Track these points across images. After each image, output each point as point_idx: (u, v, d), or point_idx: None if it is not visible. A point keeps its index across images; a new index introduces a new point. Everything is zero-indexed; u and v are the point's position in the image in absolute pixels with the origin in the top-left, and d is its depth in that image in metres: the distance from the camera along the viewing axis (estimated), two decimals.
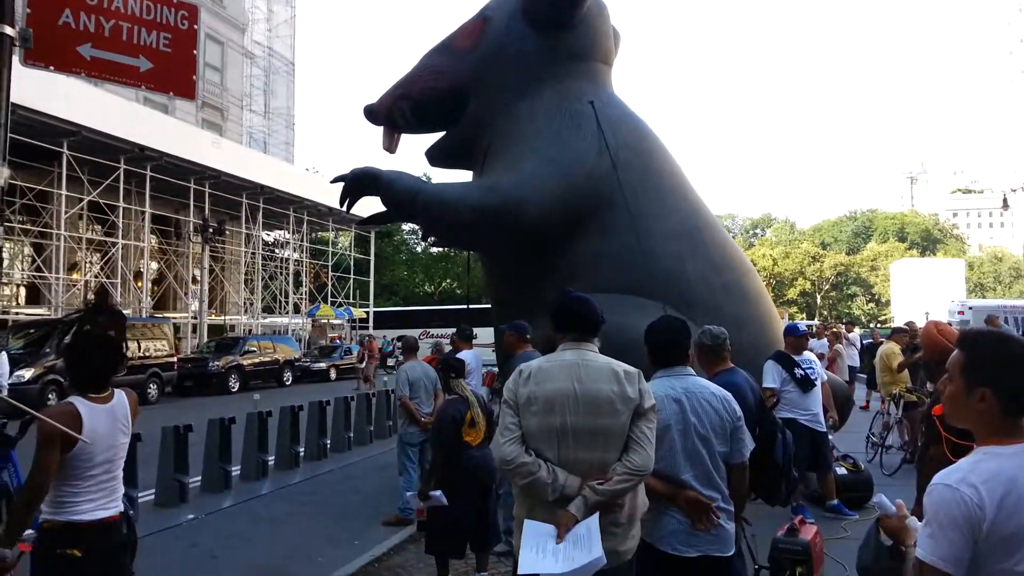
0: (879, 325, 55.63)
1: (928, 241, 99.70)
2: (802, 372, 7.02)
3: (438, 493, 5.15)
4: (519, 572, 2.81)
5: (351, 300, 41.82)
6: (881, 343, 12.70)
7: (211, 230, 29.55)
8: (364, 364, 24.89)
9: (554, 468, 2.87)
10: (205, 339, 28.97)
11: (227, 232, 33.71)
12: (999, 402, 1.85)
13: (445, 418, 5.29)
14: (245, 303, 36.61)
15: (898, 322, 29.30)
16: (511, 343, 6.33)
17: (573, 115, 7.71)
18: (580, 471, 2.86)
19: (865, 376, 16.18)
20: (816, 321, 16.23)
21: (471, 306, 24.91)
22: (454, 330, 9.26)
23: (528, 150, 7.57)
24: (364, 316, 41.67)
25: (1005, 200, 40.02)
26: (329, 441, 11.74)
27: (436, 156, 9.00)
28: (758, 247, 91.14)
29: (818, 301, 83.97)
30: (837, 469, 7.52)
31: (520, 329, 6.37)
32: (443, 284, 54.17)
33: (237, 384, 24.20)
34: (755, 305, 8.19)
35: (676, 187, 8.20)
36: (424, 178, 10.04)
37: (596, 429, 2.87)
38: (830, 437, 7.63)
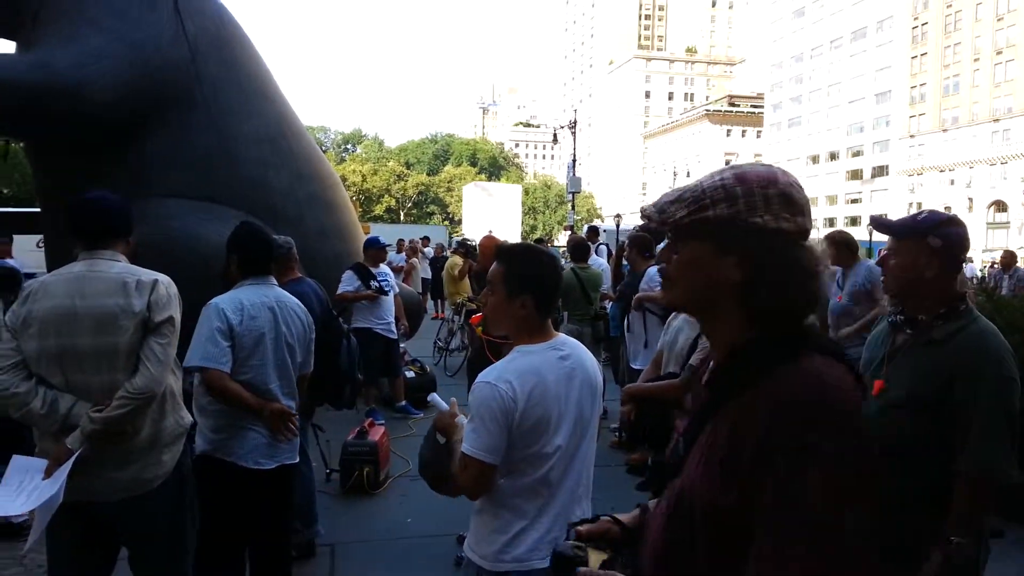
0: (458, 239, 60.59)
1: (495, 167, 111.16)
2: (377, 283, 7.33)
3: None
4: None
5: None
6: (445, 257, 13.85)
7: None
8: None
9: (56, 396, 2.53)
10: None
11: None
12: (532, 307, 2.12)
13: None
14: None
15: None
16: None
17: None
18: (92, 397, 2.56)
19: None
20: (414, 239, 17.23)
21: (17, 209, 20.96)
22: None
23: (88, 23, 6.34)
24: None
25: (555, 135, 46.23)
26: None
27: None
28: (349, 163, 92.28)
29: (402, 218, 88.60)
30: (406, 372, 8.13)
31: None
32: None
33: None
34: (339, 217, 8.24)
35: (261, 88, 7.70)
36: None
37: (101, 349, 2.56)
38: (402, 345, 8.19)
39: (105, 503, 2.60)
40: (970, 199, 65.12)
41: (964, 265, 2.44)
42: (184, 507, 2.81)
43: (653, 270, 5.46)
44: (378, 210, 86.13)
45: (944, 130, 69.54)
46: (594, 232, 12.12)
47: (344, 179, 73.50)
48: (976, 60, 66.23)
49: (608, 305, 7.54)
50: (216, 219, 5.90)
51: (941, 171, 69.18)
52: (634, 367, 5.48)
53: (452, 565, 4.17)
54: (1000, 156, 63.41)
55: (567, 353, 2.14)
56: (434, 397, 2.34)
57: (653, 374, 4.00)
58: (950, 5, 68.65)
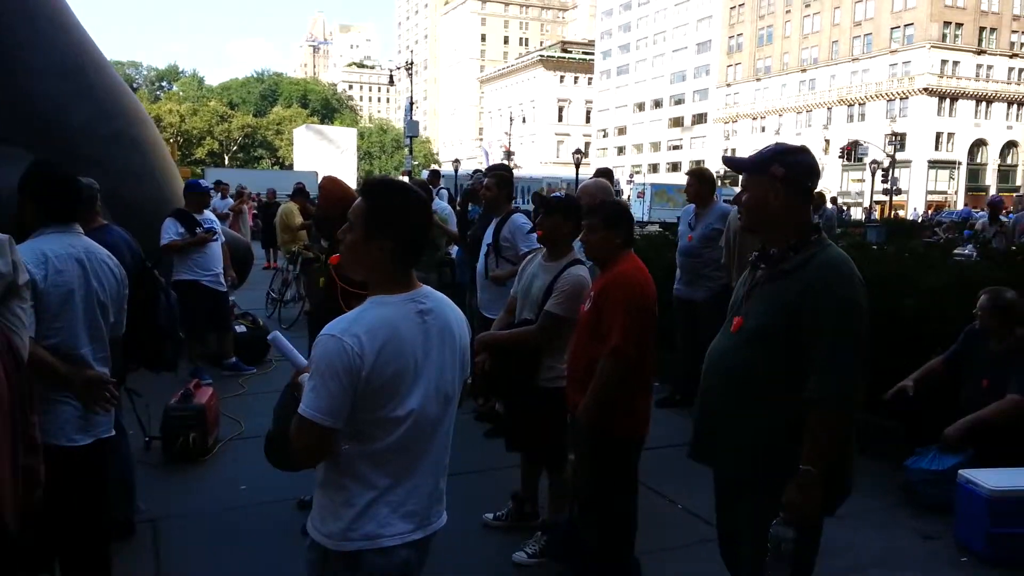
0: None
1: (327, 109, 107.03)
2: (202, 230, 6.74)
3: None
4: None
5: None
6: (277, 203, 13.09)
7: None
8: None
9: None
10: None
11: None
12: (395, 251, 1.84)
13: None
14: None
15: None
16: None
17: None
18: None
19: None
20: (266, 189, 15.89)
21: None
22: None
23: None
24: None
25: (391, 77, 44.96)
26: None
27: None
28: (164, 102, 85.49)
29: (226, 161, 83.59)
30: (237, 327, 7.57)
31: None
32: None
33: None
34: (151, 158, 7.51)
35: (55, 15, 6.84)
36: None
37: None
38: (231, 297, 7.60)
39: None
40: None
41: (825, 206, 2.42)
42: None
43: (521, 217, 5.18)
44: (199, 153, 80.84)
45: (757, 79, 74.34)
46: (436, 176, 11.84)
47: (159, 120, 68.03)
48: (788, 12, 70.93)
49: (453, 250, 7.34)
50: (5, 161, 5.15)
51: (754, 119, 74.14)
52: (489, 315, 5.25)
53: (299, 534, 3.84)
54: (805, 104, 68.79)
55: (429, 307, 1.89)
56: (276, 336, 2.04)
57: (507, 321, 3.86)
58: None
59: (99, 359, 2.88)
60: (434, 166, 56.77)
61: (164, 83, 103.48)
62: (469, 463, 4.55)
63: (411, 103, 38.00)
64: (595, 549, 3.20)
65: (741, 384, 2.27)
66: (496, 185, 5.32)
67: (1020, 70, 63.77)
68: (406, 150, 39.41)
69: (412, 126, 35.68)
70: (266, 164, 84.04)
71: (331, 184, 4.52)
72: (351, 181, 42.90)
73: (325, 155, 51.49)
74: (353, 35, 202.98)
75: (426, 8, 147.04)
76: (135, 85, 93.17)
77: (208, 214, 7.14)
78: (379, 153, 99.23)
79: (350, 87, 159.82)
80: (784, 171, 2.23)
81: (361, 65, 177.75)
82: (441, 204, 8.06)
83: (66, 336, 2.75)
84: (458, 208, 8.25)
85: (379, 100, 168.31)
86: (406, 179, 11.18)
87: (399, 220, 1.86)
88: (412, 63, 41.25)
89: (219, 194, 15.91)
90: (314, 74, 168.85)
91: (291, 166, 67.41)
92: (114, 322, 2.99)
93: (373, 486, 1.82)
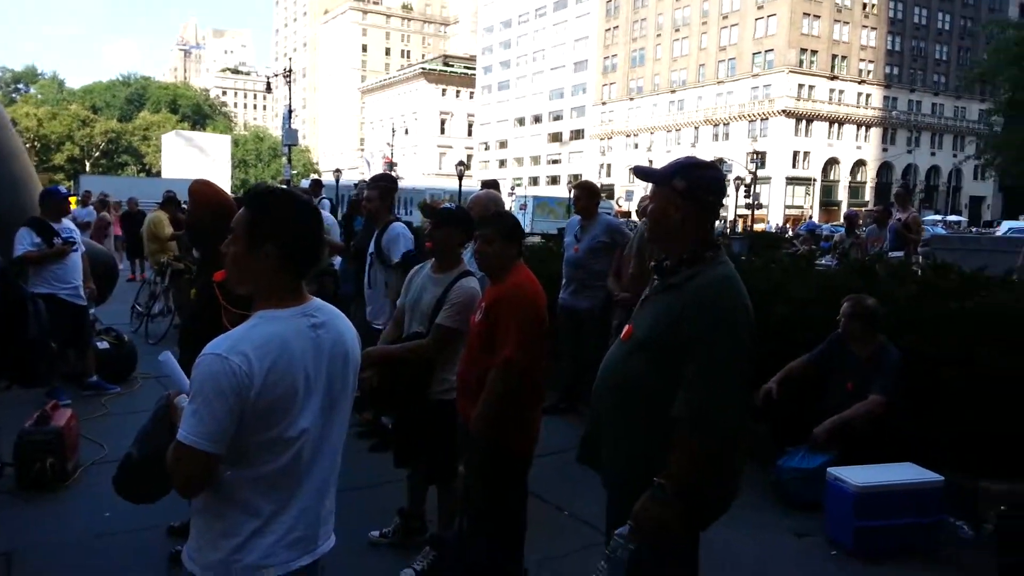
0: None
1: (199, 115, 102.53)
2: (61, 241, 6.25)
3: None
4: None
5: None
6: (143, 212, 12.41)
7: None
8: None
9: None
10: None
11: None
12: (282, 261, 1.74)
13: None
14: None
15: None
16: None
17: None
18: None
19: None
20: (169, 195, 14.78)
21: None
22: None
23: None
24: None
25: (268, 84, 43.51)
26: None
27: None
28: (21, 105, 79.36)
29: (87, 168, 78.48)
30: (98, 343, 7.07)
31: None
32: None
33: None
34: (10, 165, 6.94)
35: None
36: None
37: None
38: (91, 311, 7.10)
39: None
40: (650, 161, 73.45)
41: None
42: None
43: (400, 227, 5.08)
44: (58, 159, 75.57)
45: (631, 98, 77.19)
46: (318, 185, 11.56)
47: (15, 123, 62.91)
48: (658, 36, 74.18)
49: (336, 261, 7.16)
50: None
51: (628, 136, 76.90)
52: (376, 326, 5.12)
53: (166, 562, 3.61)
54: (675, 123, 72.02)
55: (321, 321, 1.79)
56: (167, 357, 1.87)
57: (395, 334, 3.77)
58: None
59: None
60: (315, 175, 55.47)
61: (21, 85, 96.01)
62: (352, 479, 4.41)
63: (290, 111, 36.96)
64: (485, 562, 3.17)
65: (625, 392, 2.28)
66: (379, 196, 5.24)
67: (867, 95, 69.41)
68: (284, 159, 38.27)
69: (290, 134, 34.70)
70: (132, 171, 79.39)
71: (203, 187, 4.22)
72: (225, 189, 41.25)
73: (196, 162, 49.22)
74: (228, 40, 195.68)
75: (305, 16, 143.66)
76: None
77: (67, 223, 6.65)
78: (255, 161, 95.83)
79: (224, 93, 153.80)
80: (685, 185, 2.22)
81: (236, 71, 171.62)
82: (324, 214, 7.86)
83: None
84: (342, 219, 8.06)
85: (255, 107, 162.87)
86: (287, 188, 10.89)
87: (285, 227, 1.76)
88: (291, 70, 40.16)
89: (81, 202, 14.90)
90: (185, 79, 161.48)
91: (159, 173, 64.06)
92: None
93: (257, 514, 1.70)
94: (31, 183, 7.49)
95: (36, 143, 70.63)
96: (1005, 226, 33.75)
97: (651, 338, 2.22)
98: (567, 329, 6.22)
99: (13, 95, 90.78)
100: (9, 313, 3.36)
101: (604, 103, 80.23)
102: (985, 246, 16.07)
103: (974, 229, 46.10)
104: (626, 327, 2.37)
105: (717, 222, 2.38)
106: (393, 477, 4.15)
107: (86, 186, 22.05)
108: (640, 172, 2.45)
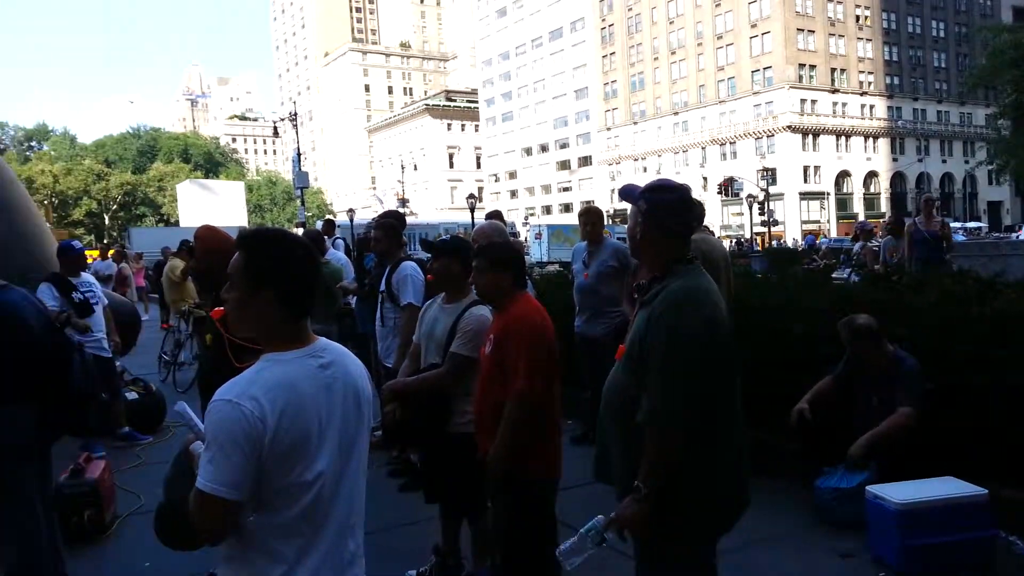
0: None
1: (211, 163, 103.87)
2: (80, 296, 6.33)
3: None
4: None
5: None
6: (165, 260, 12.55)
7: None
8: None
9: None
10: None
11: None
12: (281, 303, 1.76)
13: None
14: None
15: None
16: None
17: None
18: None
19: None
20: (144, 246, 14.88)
21: None
22: None
23: None
24: None
25: (275, 129, 44.16)
26: None
27: None
28: (35, 162, 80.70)
29: (107, 221, 79.59)
30: (127, 394, 7.13)
31: None
32: None
33: None
34: (33, 223, 7.07)
35: None
36: None
37: None
38: (118, 362, 7.17)
39: None
40: None
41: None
42: None
43: (411, 266, 5.02)
44: (77, 214, 76.59)
45: (635, 123, 77.55)
46: (331, 226, 11.62)
47: (31, 181, 64.11)
48: (656, 59, 74.64)
49: (352, 300, 7.21)
50: None
51: (635, 159, 77.12)
52: (388, 364, 5.14)
53: None
54: (681, 145, 72.18)
55: (328, 361, 1.80)
56: (183, 407, 1.89)
57: (413, 368, 3.79)
58: (630, 8, 76.60)
59: None
60: (328, 216, 56.00)
61: (33, 143, 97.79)
62: (387, 519, 4.43)
63: (299, 154, 37.42)
64: None
65: (618, 407, 2.41)
66: (384, 235, 5.26)
67: (871, 106, 69.40)
68: (298, 201, 38.67)
69: (302, 177, 35.06)
70: (150, 222, 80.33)
71: (207, 233, 4.25)
72: None
73: (212, 209, 49.73)
74: (232, 87, 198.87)
75: (306, 59, 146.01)
76: (3, 146, 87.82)
77: (87, 276, 6.75)
78: (270, 206, 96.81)
79: (233, 140, 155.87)
80: (646, 206, 2.37)
81: (243, 118, 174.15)
82: (337, 254, 7.93)
83: None
84: (353, 258, 8.11)
85: (265, 152, 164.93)
86: (300, 231, 10.97)
87: (280, 270, 1.77)
88: (296, 114, 40.71)
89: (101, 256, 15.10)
90: (194, 128, 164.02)
91: (176, 223, 64.77)
92: None
93: (282, 559, 1.70)
94: (46, 236, 7.60)
95: (54, 199, 71.68)
96: None
97: (629, 353, 2.38)
98: (586, 357, 6.16)
99: (27, 152, 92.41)
100: (61, 363, 3.40)
101: (608, 129, 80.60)
102: (1005, 251, 15.95)
103: (994, 234, 45.73)
104: (619, 346, 2.49)
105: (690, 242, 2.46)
106: (427, 514, 4.14)
107: (137, 238, 22.20)
108: (622, 193, 2.55)
